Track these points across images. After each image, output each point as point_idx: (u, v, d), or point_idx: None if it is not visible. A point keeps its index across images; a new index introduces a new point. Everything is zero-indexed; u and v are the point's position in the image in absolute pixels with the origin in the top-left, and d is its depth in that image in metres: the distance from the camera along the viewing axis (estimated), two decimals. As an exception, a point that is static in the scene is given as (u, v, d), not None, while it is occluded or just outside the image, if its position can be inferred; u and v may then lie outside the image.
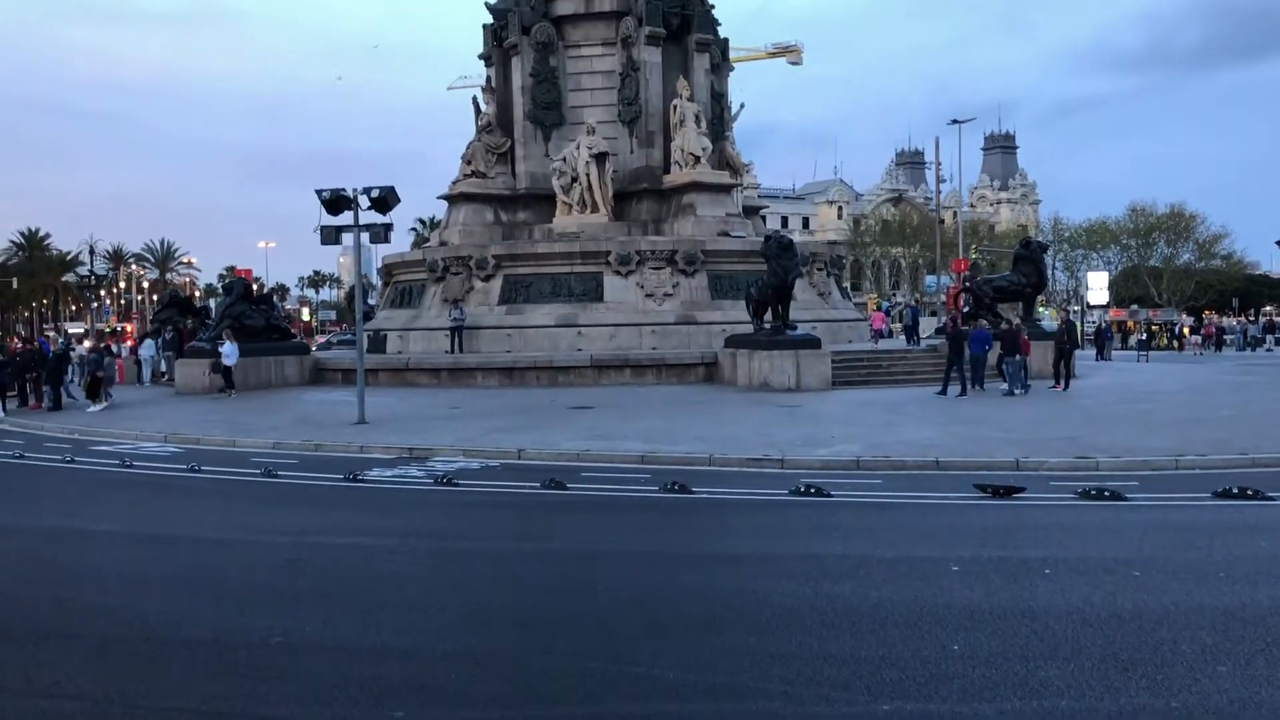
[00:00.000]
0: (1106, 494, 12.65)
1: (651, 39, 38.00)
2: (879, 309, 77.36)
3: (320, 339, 70.01)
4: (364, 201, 21.26)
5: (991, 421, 20.66)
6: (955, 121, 60.62)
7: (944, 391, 25.90)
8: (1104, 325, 56.98)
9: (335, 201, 21.02)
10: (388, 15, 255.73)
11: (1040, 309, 45.30)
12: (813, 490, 13.28)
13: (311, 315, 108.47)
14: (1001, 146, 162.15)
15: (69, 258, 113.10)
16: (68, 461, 18.47)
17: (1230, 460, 15.40)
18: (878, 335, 43.33)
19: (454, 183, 40.42)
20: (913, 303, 35.17)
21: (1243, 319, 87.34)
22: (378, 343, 36.62)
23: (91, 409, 27.03)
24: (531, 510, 13.31)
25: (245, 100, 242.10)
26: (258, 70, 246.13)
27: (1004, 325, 30.08)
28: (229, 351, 30.50)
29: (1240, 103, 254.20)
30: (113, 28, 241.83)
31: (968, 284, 36.17)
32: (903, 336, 43.35)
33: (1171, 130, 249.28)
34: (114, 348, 43.23)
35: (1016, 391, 26.06)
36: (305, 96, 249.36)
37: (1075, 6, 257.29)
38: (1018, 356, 26.56)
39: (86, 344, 48.33)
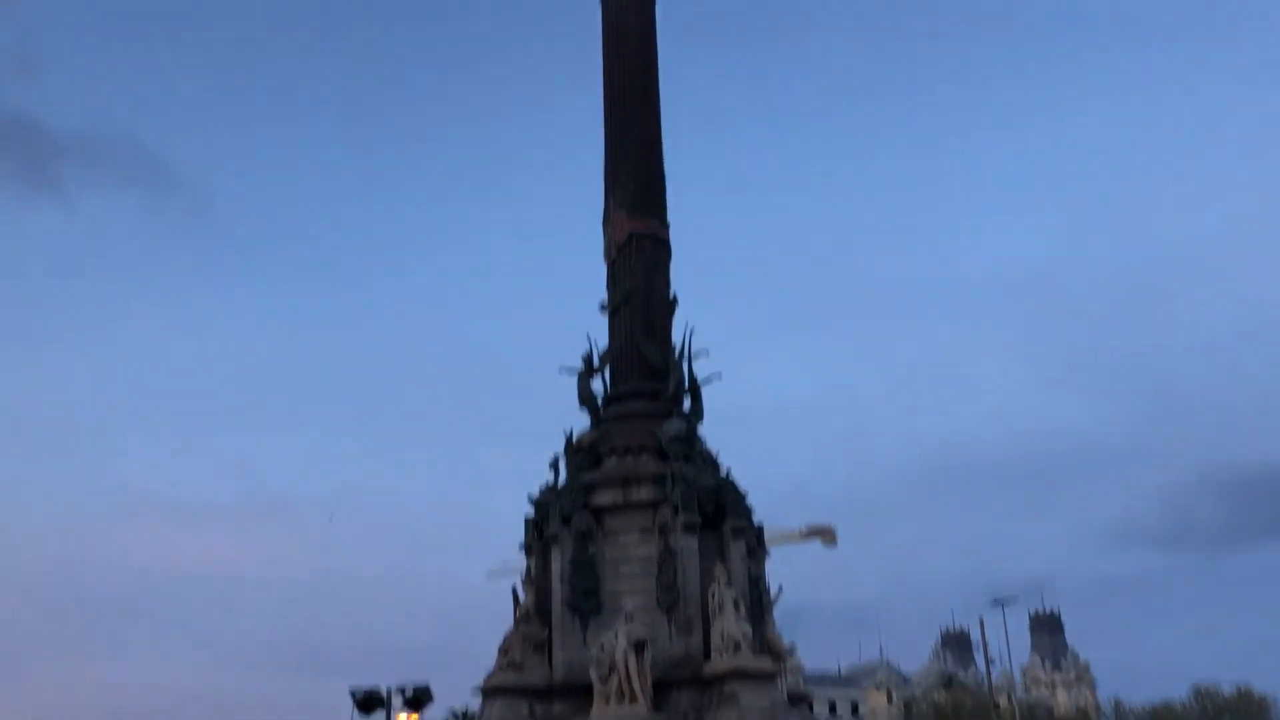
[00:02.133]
0: None
1: (688, 527, 38.73)
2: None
3: None
4: (397, 701, 20.59)
5: None
6: (998, 601, 59.87)
7: None
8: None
9: (367, 701, 20.39)
10: (432, 505, 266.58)
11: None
12: None
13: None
14: (1048, 625, 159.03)
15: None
16: None
17: None
18: None
19: (489, 675, 39.34)
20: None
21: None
22: None
23: None
24: None
25: (287, 590, 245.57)
26: (303, 560, 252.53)
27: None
28: None
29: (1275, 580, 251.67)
30: (169, 522, 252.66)
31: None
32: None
33: (1216, 606, 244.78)
34: None
35: None
36: (347, 584, 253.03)
37: (1099, 485, 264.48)
38: None
39: None
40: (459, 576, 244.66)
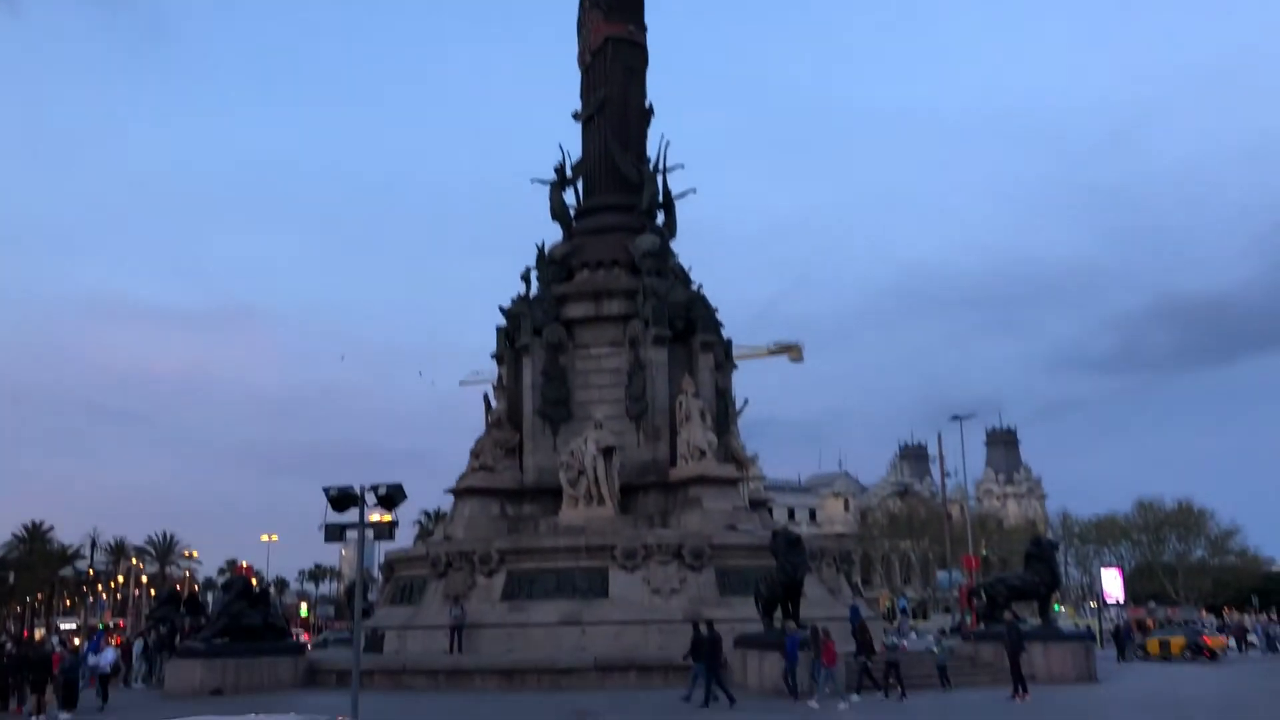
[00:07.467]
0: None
1: (658, 340, 39.33)
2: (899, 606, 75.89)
3: (310, 637, 68.32)
4: (370, 499, 21.19)
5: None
6: (956, 417, 61.40)
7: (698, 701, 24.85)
8: (1123, 624, 55.30)
9: (341, 499, 20.94)
10: (400, 315, 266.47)
11: (1056, 607, 44.35)
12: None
13: (310, 611, 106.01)
14: (1004, 441, 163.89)
15: (70, 551, 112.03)
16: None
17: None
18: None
19: (461, 477, 40.61)
20: (854, 603, 32.74)
21: (1265, 617, 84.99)
22: (375, 641, 35.52)
23: (64, 718, 25.48)
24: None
25: (259, 396, 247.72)
26: (274, 367, 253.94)
27: (1019, 624, 29.21)
28: (106, 658, 29.11)
29: (1220, 401, 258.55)
30: (139, 325, 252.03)
31: (981, 586, 35.68)
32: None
33: (1162, 427, 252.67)
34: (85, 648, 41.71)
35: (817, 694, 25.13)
36: (319, 392, 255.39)
37: (1059, 310, 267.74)
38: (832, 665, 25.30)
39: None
40: (431, 386, 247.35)
